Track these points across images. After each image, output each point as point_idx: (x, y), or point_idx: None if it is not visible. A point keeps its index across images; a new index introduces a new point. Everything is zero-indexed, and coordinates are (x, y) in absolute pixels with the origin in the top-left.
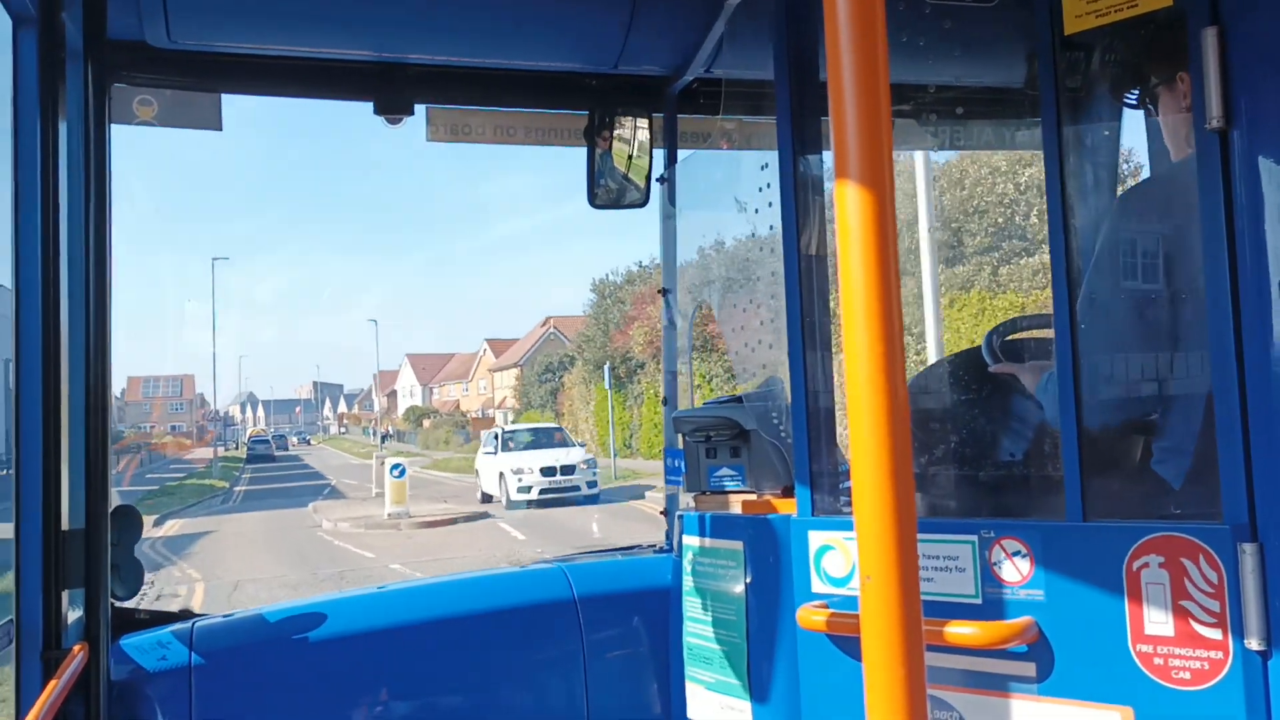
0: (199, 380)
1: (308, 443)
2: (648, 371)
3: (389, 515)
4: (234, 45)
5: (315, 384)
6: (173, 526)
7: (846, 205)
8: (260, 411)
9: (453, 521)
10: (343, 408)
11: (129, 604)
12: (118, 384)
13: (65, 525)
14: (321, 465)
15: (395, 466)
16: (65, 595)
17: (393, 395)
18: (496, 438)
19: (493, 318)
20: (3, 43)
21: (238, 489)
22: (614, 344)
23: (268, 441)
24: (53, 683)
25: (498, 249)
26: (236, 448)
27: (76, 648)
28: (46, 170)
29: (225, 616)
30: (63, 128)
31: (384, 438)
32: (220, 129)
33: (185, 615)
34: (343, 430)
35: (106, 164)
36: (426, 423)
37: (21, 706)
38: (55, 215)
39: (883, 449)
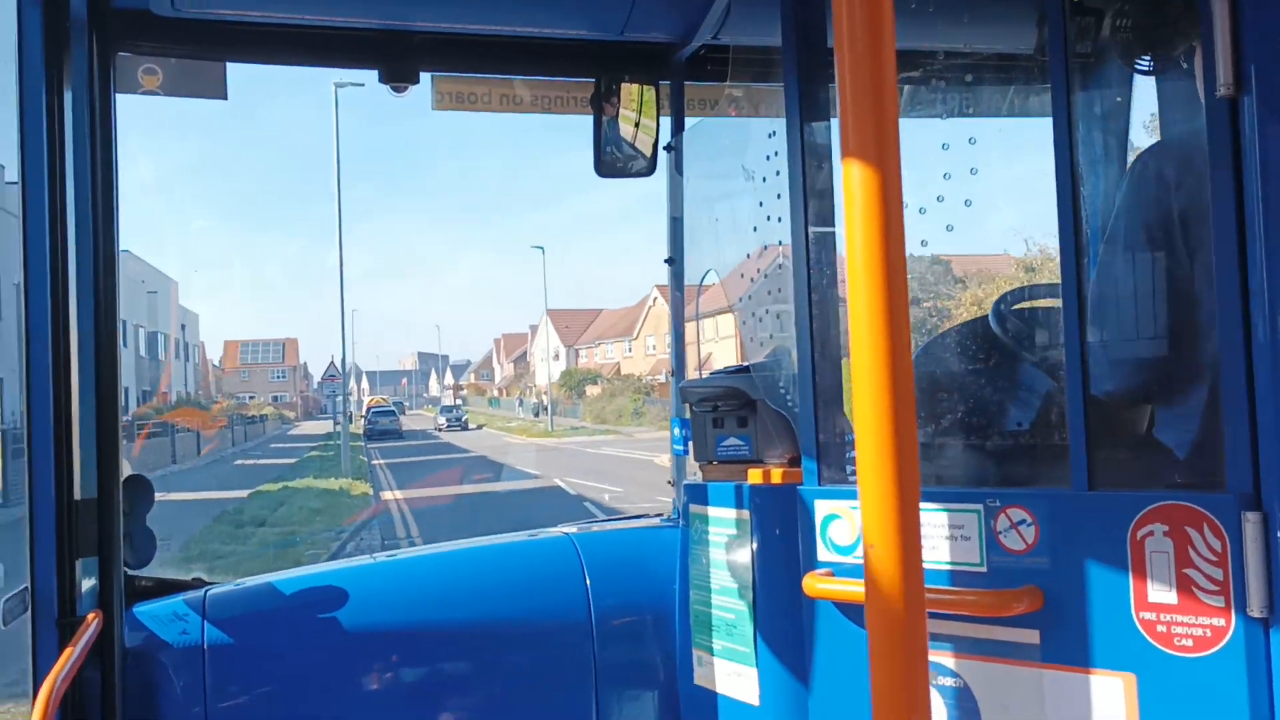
0: (303, 347)
1: (464, 425)
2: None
3: None
4: (238, 13)
5: (419, 354)
6: None
7: (852, 174)
8: (365, 383)
9: None
10: (449, 379)
11: (141, 572)
12: (214, 350)
13: (78, 495)
14: (481, 446)
15: None
16: (79, 564)
17: (520, 360)
18: None
19: (646, 267)
20: (8, 13)
21: (388, 497)
22: None
23: (392, 413)
24: (69, 649)
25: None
26: (350, 421)
27: (90, 615)
28: (53, 141)
29: (237, 584)
30: (68, 97)
31: (537, 410)
32: (226, 98)
33: (198, 584)
34: (459, 402)
35: (112, 133)
36: (592, 389)
37: (38, 673)
38: (62, 185)
39: (886, 419)
